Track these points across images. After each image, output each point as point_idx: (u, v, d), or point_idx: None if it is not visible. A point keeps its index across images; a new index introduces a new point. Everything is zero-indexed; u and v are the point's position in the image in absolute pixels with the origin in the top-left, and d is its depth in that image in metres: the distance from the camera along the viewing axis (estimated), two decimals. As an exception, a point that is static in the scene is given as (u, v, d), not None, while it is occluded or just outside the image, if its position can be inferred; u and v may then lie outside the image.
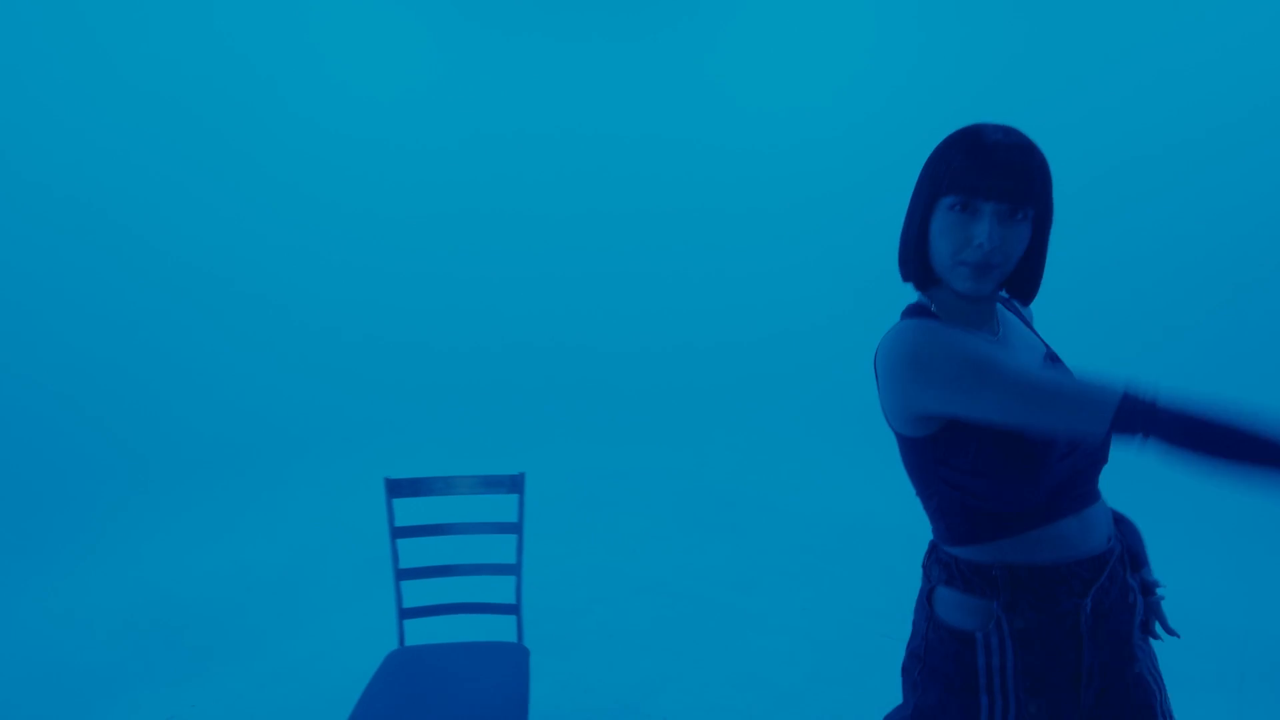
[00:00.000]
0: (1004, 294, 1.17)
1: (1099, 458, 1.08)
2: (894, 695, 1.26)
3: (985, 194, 0.99)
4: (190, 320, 3.81)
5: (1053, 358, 1.17)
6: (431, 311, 4.72)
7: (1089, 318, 3.58)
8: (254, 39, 3.97)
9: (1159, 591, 1.20)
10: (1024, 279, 1.10)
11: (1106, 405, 0.88)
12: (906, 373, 1.00)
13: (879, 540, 3.92)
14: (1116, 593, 1.09)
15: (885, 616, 3.18)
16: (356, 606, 3.33)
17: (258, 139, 4.04)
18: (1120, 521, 1.19)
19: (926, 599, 1.12)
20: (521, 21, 4.85)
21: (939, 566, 1.11)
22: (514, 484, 2.18)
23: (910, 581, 1.32)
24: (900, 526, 3.85)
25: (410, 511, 2.37)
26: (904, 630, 1.24)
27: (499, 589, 2.50)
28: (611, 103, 4.96)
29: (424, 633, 2.27)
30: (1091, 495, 1.09)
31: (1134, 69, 3.54)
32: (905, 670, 1.15)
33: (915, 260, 1.09)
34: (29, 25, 3.20)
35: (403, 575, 2.16)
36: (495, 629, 2.57)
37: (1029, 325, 1.23)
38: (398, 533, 2.15)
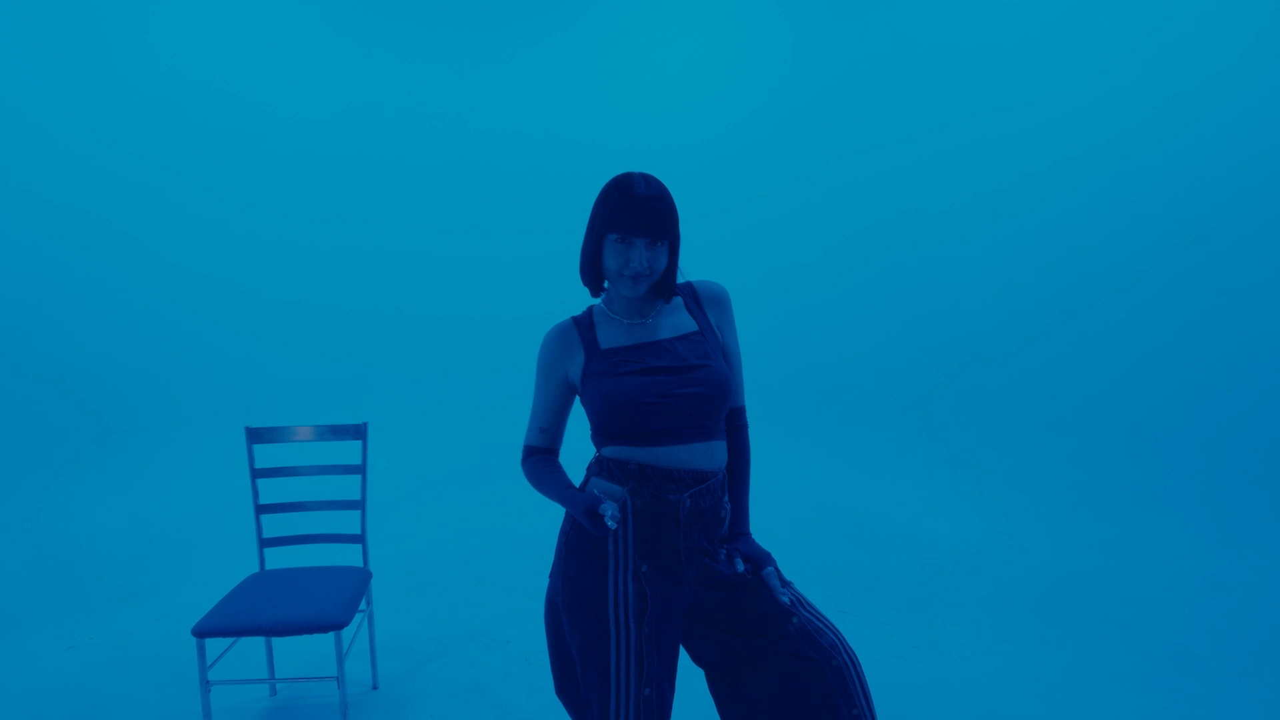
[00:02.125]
0: (687, 285, 1.62)
1: (704, 410, 1.48)
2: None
3: (636, 231, 1.43)
4: (81, 291, 4.12)
5: (704, 334, 1.56)
6: (297, 277, 5.05)
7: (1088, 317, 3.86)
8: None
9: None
10: (664, 283, 1.53)
11: None
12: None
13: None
14: (711, 502, 1.51)
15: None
16: (228, 542, 3.71)
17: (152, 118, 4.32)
18: (737, 462, 1.61)
19: (581, 488, 1.55)
20: (421, 36, 5.24)
21: (596, 464, 1.55)
22: (358, 432, 2.58)
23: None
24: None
25: (270, 456, 2.77)
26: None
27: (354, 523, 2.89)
28: (502, 104, 5.32)
29: (286, 561, 2.67)
30: (704, 435, 1.50)
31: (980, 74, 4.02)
32: (556, 550, 1.56)
33: (591, 273, 1.53)
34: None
35: (262, 510, 2.55)
36: (350, 558, 2.98)
37: (695, 305, 1.62)
38: (257, 474, 2.54)
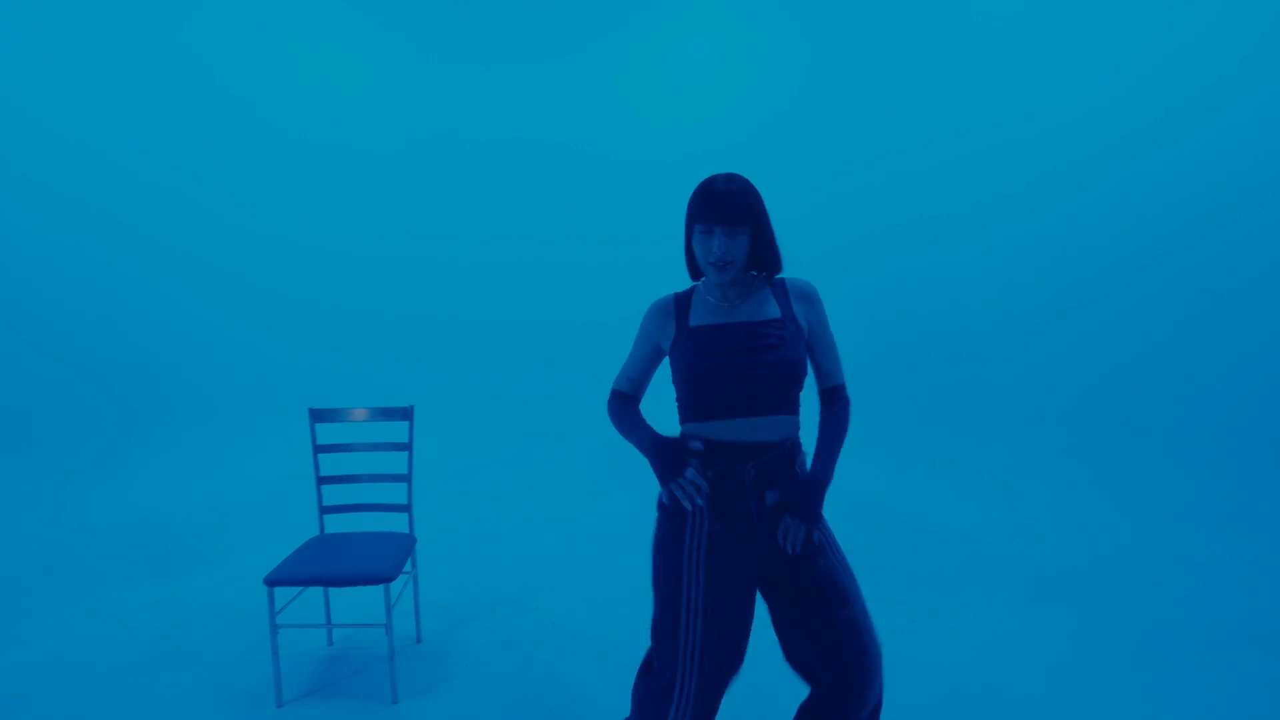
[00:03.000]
0: (775, 276, 1.77)
1: (771, 389, 1.65)
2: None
3: (715, 220, 1.62)
4: (165, 300, 4.57)
5: (785, 323, 1.68)
6: (356, 282, 5.47)
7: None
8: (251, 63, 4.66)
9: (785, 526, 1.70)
10: (763, 262, 1.71)
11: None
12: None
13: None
14: (778, 469, 1.68)
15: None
16: (293, 510, 4.11)
17: (219, 140, 4.75)
18: (830, 427, 1.77)
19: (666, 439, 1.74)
20: (452, 44, 5.58)
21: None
22: (406, 414, 2.91)
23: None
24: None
25: (329, 434, 3.13)
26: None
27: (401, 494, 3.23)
28: (530, 114, 5.67)
29: (342, 526, 3.02)
30: (772, 410, 1.66)
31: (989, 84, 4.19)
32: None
33: (689, 263, 1.75)
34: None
35: (322, 481, 2.91)
36: (398, 525, 3.32)
37: (783, 297, 1.77)
38: (318, 449, 2.89)
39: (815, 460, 1.74)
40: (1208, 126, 3.51)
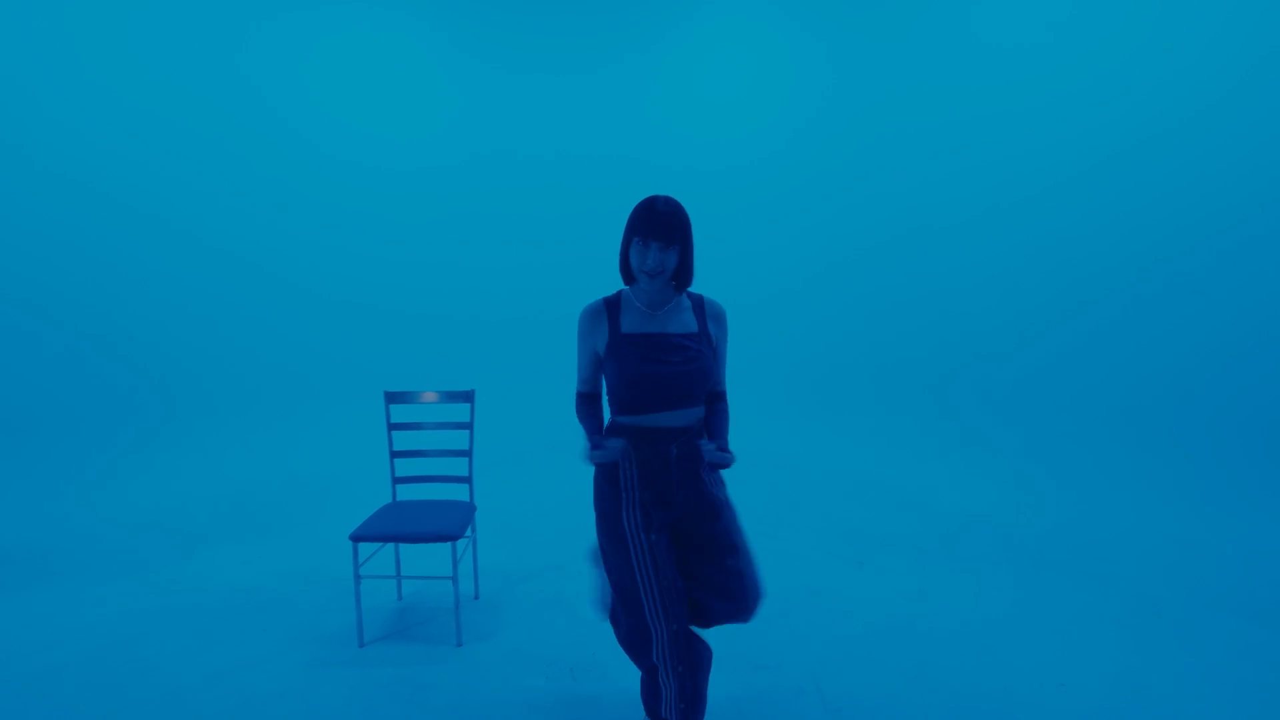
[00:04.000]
0: (693, 293, 2.12)
1: (690, 389, 2.00)
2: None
3: (652, 236, 1.95)
4: (238, 304, 5.07)
5: (701, 337, 2.01)
6: (423, 283, 5.93)
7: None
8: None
9: (707, 451, 2.03)
10: (683, 274, 2.03)
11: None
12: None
13: (815, 475, 5.00)
14: (690, 447, 2.04)
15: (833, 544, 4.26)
16: (365, 480, 4.56)
17: (291, 157, 5.21)
18: (717, 417, 2.13)
19: (604, 433, 2.11)
20: (494, 57, 5.97)
21: (611, 426, 2.09)
22: (468, 396, 3.31)
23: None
24: (834, 468, 4.93)
25: (401, 414, 3.54)
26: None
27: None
28: (564, 126, 6.04)
29: (411, 495, 3.43)
30: (689, 403, 2.02)
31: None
32: (593, 493, 2.13)
33: (624, 268, 2.07)
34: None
35: (395, 455, 3.32)
36: (460, 495, 3.73)
37: (700, 314, 2.10)
38: (392, 427, 3.30)
39: (715, 435, 2.10)
40: (1209, 137, 3.73)
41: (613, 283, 2.17)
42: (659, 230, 1.92)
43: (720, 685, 2.58)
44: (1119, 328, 3.97)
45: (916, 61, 4.83)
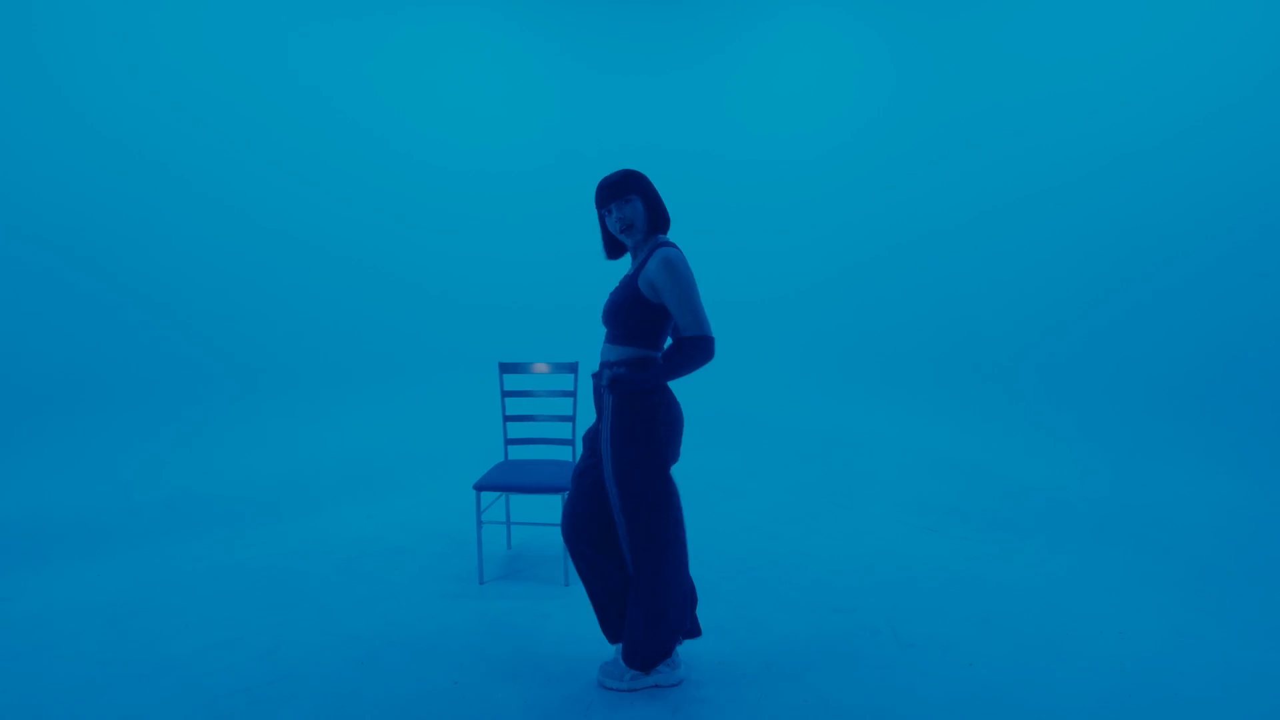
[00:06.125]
0: (662, 235, 2.28)
1: (609, 322, 2.24)
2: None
3: (607, 200, 2.26)
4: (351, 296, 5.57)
5: (628, 282, 2.21)
6: (527, 274, 6.31)
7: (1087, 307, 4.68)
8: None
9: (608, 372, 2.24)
10: (653, 224, 2.30)
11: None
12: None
13: (870, 450, 5.26)
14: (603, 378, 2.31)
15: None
16: (479, 442, 5.01)
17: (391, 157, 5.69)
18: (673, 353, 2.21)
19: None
20: (593, 60, 6.33)
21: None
22: (572, 368, 3.69)
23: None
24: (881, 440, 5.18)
25: (513, 382, 3.95)
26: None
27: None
28: (650, 123, 6.37)
29: (521, 455, 3.84)
30: (611, 338, 2.26)
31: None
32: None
33: (605, 244, 2.38)
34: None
35: (508, 419, 3.73)
36: (564, 456, 4.12)
37: (643, 263, 2.20)
38: (505, 394, 3.71)
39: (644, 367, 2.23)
40: (1222, 139, 3.89)
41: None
42: (608, 193, 2.22)
43: (804, 625, 2.90)
44: (1174, 310, 4.08)
45: (972, 54, 5.03)
